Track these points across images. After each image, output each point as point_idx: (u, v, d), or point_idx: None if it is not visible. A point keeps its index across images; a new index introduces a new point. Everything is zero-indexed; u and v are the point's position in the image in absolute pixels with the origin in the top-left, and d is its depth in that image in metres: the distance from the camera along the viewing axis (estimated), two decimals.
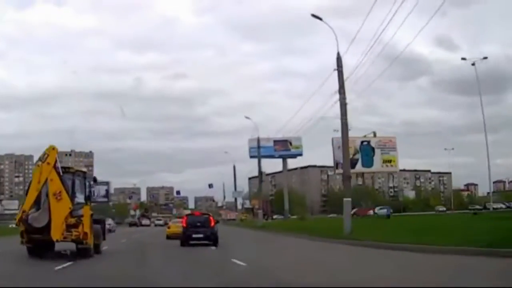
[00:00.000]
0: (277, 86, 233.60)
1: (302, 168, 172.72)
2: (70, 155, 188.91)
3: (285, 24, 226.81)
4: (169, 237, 30.26)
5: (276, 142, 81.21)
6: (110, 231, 53.94)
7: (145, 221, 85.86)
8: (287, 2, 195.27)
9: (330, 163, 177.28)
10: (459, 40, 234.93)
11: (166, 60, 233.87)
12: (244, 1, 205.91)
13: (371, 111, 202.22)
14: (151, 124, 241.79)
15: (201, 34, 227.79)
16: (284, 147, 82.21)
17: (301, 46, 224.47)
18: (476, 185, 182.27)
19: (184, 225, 24.72)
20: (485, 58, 59.88)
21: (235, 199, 72.28)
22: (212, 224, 24.70)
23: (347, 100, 26.89)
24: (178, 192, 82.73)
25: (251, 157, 79.93)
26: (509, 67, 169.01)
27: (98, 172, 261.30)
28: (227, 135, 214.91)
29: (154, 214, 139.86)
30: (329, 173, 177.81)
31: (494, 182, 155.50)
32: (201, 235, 23.84)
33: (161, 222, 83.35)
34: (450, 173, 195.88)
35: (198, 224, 24.51)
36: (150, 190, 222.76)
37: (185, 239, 24.00)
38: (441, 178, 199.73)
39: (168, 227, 32.80)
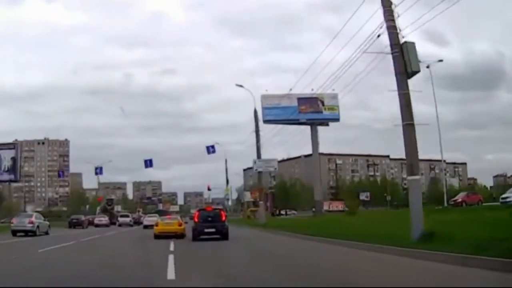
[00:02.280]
0: (266, 81, 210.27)
1: (306, 156, 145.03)
2: (43, 143, 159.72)
3: (274, 20, 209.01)
4: (157, 236, 24.76)
5: (301, 100, 53.04)
6: (34, 234, 29.79)
7: (100, 219, 51.82)
8: None
9: (339, 150, 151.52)
10: (450, 35, 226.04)
11: (154, 56, 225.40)
12: None
13: (363, 106, 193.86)
14: (139, 120, 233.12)
15: (190, 30, 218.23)
16: (313, 108, 54.29)
17: (290, 42, 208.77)
18: (475, 179, 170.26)
19: (196, 220, 23.68)
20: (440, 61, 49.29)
21: (259, 174, 36.54)
22: (223, 218, 23.64)
23: None
24: (148, 162, 46.96)
25: (267, 121, 51.11)
26: (499, 64, 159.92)
27: (85, 168, 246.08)
28: (216, 131, 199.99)
29: (139, 210, 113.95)
30: (338, 161, 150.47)
31: (494, 176, 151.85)
32: (212, 230, 22.75)
33: (127, 220, 52.65)
34: (465, 163, 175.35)
35: (210, 219, 23.28)
36: (136, 185, 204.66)
37: (197, 233, 22.87)
38: (456, 169, 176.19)
39: (156, 225, 26.40)
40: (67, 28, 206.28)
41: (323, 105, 55.57)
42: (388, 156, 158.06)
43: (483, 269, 8.97)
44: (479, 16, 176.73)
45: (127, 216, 56.19)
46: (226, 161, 55.39)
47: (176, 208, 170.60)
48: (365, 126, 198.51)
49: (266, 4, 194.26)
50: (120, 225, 51.10)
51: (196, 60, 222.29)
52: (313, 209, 60.58)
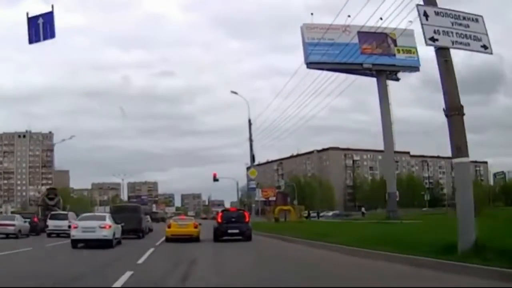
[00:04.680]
0: (264, 83, 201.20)
1: (319, 151, 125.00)
2: (24, 136, 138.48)
3: (272, 21, 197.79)
4: (169, 239, 22.04)
5: (363, 35, 32.26)
6: None
7: (2, 222, 25.70)
8: None
9: (357, 144, 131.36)
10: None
11: (152, 58, 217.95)
12: None
13: (360, 109, 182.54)
14: (137, 122, 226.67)
15: (188, 31, 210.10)
16: (382, 49, 34.15)
17: (288, 43, 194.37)
18: None
19: (219, 220, 22.51)
20: None
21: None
22: (247, 219, 22.89)
23: None
24: None
25: (311, 64, 29.89)
26: (498, 67, 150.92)
27: (84, 171, 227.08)
28: (214, 133, 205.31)
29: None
30: (355, 157, 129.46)
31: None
32: (236, 230, 21.93)
33: (63, 225, 27.12)
34: (486, 162, 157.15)
35: (233, 219, 22.39)
36: (131, 185, 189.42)
37: (220, 234, 21.91)
38: (477, 168, 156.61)
39: (168, 226, 23.27)
40: (65, 29, 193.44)
41: (395, 45, 35.14)
42: (408, 153, 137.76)
43: None
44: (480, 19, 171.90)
45: (63, 217, 29.16)
46: (250, 122, 34.62)
47: (172, 209, 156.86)
48: (363, 129, 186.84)
49: (264, 5, 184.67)
50: (51, 233, 27.32)
51: (194, 62, 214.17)
52: (389, 209, 39.41)
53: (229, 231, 21.65)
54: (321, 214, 71.00)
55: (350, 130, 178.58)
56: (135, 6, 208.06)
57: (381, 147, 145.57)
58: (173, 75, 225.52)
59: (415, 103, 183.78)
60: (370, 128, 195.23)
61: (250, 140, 35.77)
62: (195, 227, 22.52)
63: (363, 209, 63.94)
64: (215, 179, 45.62)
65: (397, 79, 38.57)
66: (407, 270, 10.03)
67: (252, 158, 36.33)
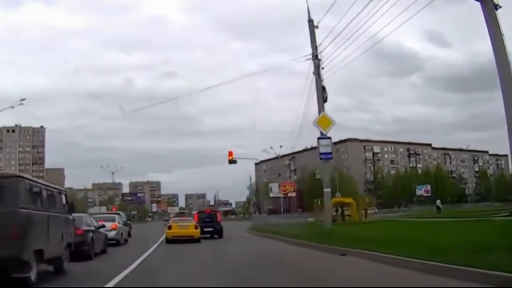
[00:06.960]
0: (266, 84, 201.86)
1: (336, 143, 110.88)
2: (13, 131, 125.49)
3: (274, 22, 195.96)
4: (170, 240, 21.88)
5: None
6: None
7: None
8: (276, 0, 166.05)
9: (376, 135, 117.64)
10: (451, 36, 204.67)
11: (154, 59, 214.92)
12: None
13: (363, 108, 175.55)
14: (139, 124, 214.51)
15: (190, 33, 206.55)
16: None
17: (291, 44, 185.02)
18: None
19: (196, 220, 24.44)
20: None
21: None
22: (219, 219, 25.73)
23: None
24: None
25: None
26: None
27: (86, 172, 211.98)
28: (216, 135, 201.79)
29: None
30: (375, 149, 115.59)
31: None
32: (210, 229, 24.53)
33: None
34: (507, 155, 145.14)
35: (208, 219, 25.23)
36: (133, 185, 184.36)
37: None
38: (499, 162, 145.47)
39: (169, 228, 23.22)
40: (67, 32, 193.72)
41: None
42: (430, 145, 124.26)
43: None
44: (481, 17, 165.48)
45: None
46: (311, 23, 18.63)
47: (175, 209, 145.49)
48: (366, 128, 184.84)
49: (266, 6, 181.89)
50: None
51: (196, 63, 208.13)
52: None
53: (205, 229, 23.78)
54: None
55: (353, 129, 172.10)
56: (136, 8, 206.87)
57: (400, 139, 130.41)
58: (175, 76, 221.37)
59: (418, 101, 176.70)
60: (374, 127, 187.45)
61: (314, 56, 19.65)
62: (196, 228, 22.72)
63: (438, 202, 48.87)
64: (232, 161, 31.92)
65: (497, 7, 25.17)
66: None
67: (323, 90, 20.03)
